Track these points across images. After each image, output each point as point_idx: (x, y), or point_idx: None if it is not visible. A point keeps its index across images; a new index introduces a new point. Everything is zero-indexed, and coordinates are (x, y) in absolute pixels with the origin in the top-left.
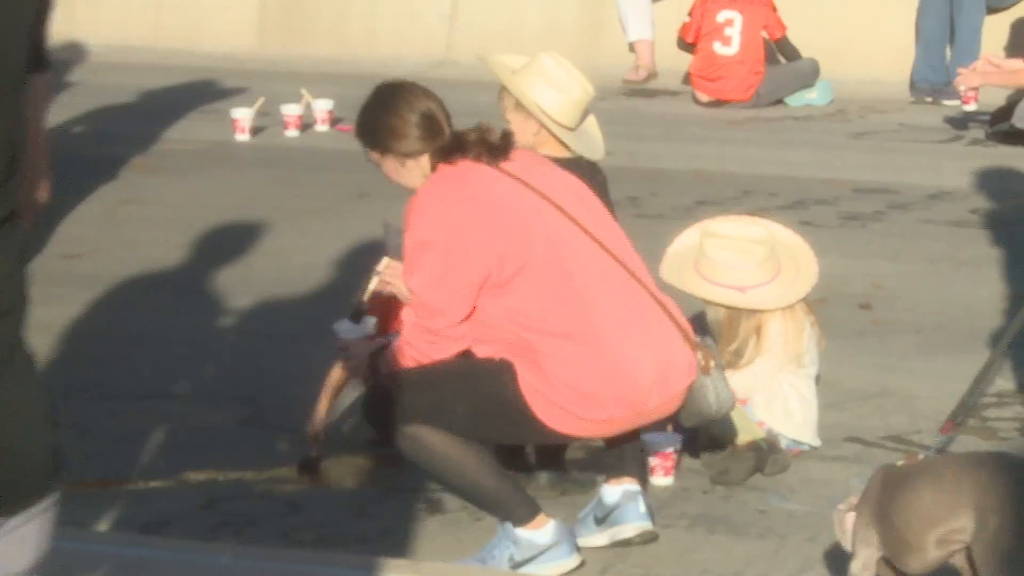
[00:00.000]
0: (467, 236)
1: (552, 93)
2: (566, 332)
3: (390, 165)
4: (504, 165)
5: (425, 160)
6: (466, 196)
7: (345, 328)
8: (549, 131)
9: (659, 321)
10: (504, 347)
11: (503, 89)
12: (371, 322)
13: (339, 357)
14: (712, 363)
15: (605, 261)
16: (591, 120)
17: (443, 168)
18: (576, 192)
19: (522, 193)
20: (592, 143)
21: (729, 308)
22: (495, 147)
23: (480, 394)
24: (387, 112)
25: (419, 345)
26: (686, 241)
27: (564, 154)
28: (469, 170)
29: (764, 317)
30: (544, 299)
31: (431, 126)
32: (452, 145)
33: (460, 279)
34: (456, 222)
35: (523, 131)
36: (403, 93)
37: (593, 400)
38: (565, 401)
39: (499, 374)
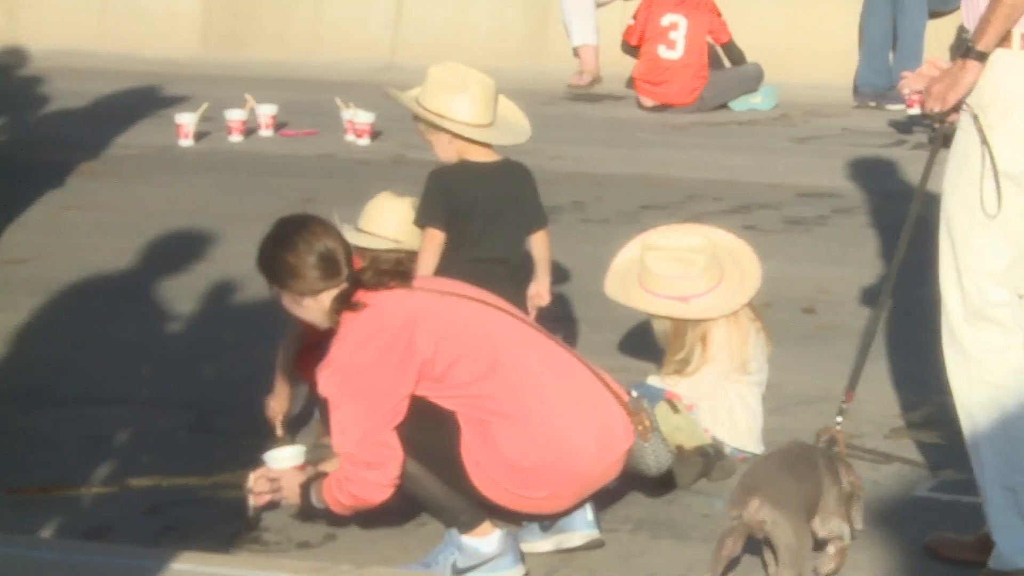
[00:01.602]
0: (380, 375)
1: (453, 98)
2: (508, 412)
3: (288, 300)
4: (413, 283)
5: (324, 298)
6: (376, 334)
7: (275, 457)
8: (462, 137)
9: (594, 389)
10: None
11: (414, 119)
12: (301, 450)
13: (270, 487)
14: (650, 429)
15: (533, 336)
16: (507, 106)
17: (347, 316)
18: (479, 288)
19: (436, 299)
20: (514, 128)
21: (674, 320)
22: (396, 274)
23: (427, 443)
24: (285, 249)
25: (359, 491)
26: (627, 255)
27: (491, 157)
28: (376, 303)
29: (708, 325)
30: (482, 384)
31: (329, 266)
32: (351, 288)
33: (382, 414)
34: (365, 365)
35: (444, 146)
36: (302, 231)
37: (533, 476)
38: (503, 478)
39: (446, 438)
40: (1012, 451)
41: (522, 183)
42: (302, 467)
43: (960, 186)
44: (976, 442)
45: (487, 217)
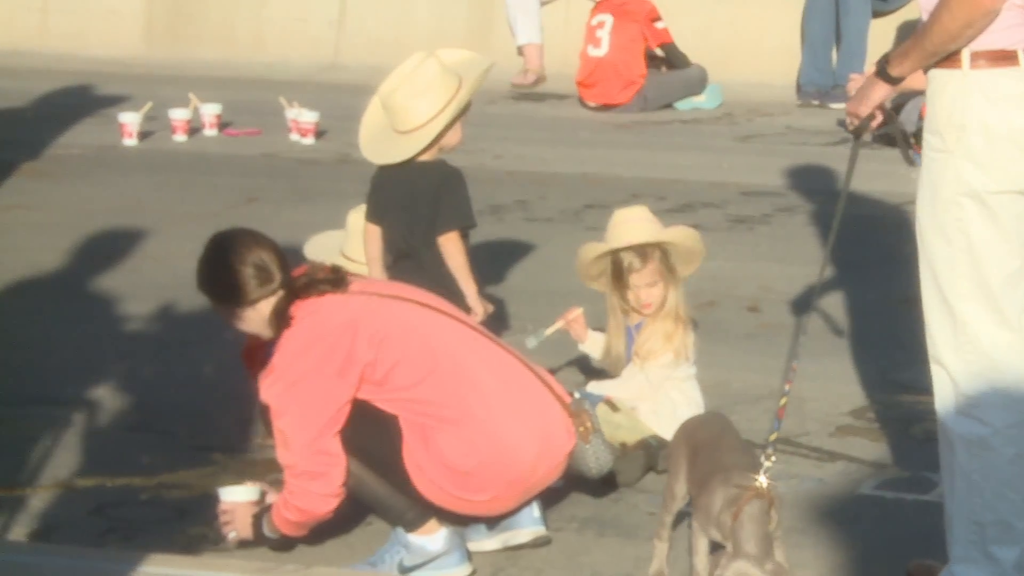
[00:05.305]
0: (321, 382)
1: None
2: (449, 415)
3: (229, 315)
4: (350, 288)
5: (263, 307)
6: (316, 341)
7: (229, 492)
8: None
9: (536, 390)
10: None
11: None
12: (256, 490)
13: (222, 520)
14: (591, 431)
15: (474, 338)
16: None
17: (286, 331)
18: (421, 290)
19: (375, 302)
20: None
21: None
22: (331, 281)
23: (370, 447)
24: (219, 266)
25: (304, 504)
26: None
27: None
28: (316, 309)
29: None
30: (423, 387)
31: (262, 274)
32: (288, 295)
33: (324, 421)
34: (306, 372)
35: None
36: (234, 245)
37: (474, 480)
38: (445, 481)
39: (388, 442)
40: (986, 486)
41: (444, 183)
42: (255, 503)
43: (935, 215)
44: (951, 471)
45: None
